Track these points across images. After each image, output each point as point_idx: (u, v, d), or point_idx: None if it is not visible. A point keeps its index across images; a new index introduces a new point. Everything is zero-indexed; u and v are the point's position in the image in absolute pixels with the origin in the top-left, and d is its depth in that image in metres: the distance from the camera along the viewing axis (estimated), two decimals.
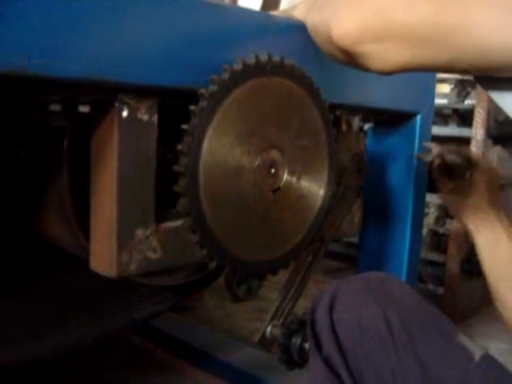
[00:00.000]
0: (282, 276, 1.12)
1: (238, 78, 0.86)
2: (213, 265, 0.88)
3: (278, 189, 0.95)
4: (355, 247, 2.92)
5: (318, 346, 0.93)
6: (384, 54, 0.74)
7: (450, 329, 0.93)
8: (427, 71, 0.85)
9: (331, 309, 0.94)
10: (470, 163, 1.22)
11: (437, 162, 1.27)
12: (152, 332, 2.09)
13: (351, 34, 0.76)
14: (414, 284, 1.50)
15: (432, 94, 1.43)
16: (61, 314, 1.12)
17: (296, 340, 1.05)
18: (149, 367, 2.08)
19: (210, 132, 0.83)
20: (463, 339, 0.91)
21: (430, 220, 2.77)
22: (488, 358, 0.88)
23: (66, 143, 0.93)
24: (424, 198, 1.42)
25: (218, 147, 0.85)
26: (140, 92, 0.85)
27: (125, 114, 0.84)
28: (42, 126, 0.89)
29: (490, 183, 1.20)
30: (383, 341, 0.89)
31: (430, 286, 2.85)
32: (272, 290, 2.82)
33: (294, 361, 1.06)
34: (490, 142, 2.66)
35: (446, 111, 2.84)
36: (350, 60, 0.82)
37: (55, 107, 0.82)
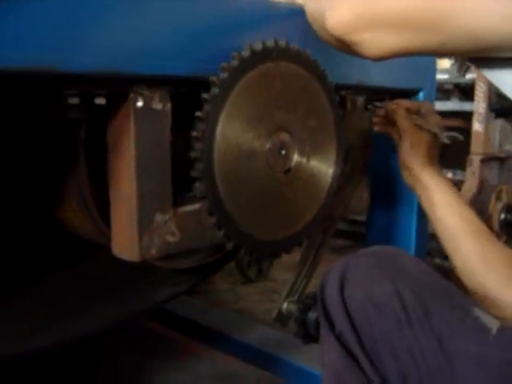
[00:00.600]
0: (291, 257, 1.14)
1: (246, 65, 0.89)
2: (230, 245, 0.92)
3: (289, 169, 0.99)
4: (360, 224, 2.95)
5: (330, 323, 0.93)
6: (377, 42, 0.77)
7: (465, 302, 0.92)
8: (420, 55, 0.87)
9: (342, 286, 0.93)
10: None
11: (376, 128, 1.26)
12: (165, 315, 2.13)
13: (344, 24, 0.78)
14: (424, 258, 1.53)
15: (433, 71, 1.45)
16: (83, 300, 1.16)
17: (312, 314, 1.09)
18: (163, 350, 2.13)
19: (222, 118, 0.87)
20: (479, 313, 0.90)
21: None
22: (505, 331, 0.88)
23: (82, 134, 0.97)
24: None
25: (231, 132, 0.88)
26: (153, 82, 0.88)
27: (140, 104, 0.87)
28: (61, 118, 0.93)
29: (409, 136, 1.16)
30: (397, 317, 0.89)
31: (437, 260, 2.88)
32: (282, 271, 2.86)
33: (311, 335, 1.10)
34: (492, 115, 2.68)
35: (447, 86, 2.86)
36: (345, 47, 0.85)
37: (73, 100, 0.86)
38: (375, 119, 1.25)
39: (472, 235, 1.04)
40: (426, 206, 1.14)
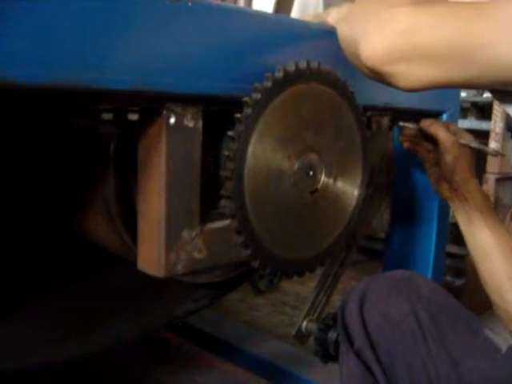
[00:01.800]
0: None
1: (279, 86, 0.90)
2: (256, 264, 0.92)
3: (316, 190, 0.99)
4: (375, 241, 2.95)
5: (350, 340, 0.98)
6: (411, 74, 0.76)
7: (476, 323, 0.97)
8: (452, 88, 0.87)
9: (361, 305, 0.98)
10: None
11: (405, 144, 1.27)
12: (178, 326, 2.13)
13: (379, 56, 0.78)
14: (440, 281, 1.53)
15: (458, 93, 1.46)
16: (102, 312, 1.17)
17: (332, 334, 1.09)
18: (174, 359, 2.13)
19: (254, 138, 0.87)
20: (489, 332, 0.94)
21: (450, 213, 2.79)
22: None
23: (112, 148, 0.97)
24: None
25: (262, 152, 0.89)
26: (186, 100, 0.88)
27: (172, 121, 0.87)
28: (92, 133, 0.94)
29: (453, 151, 1.16)
30: (413, 336, 0.93)
31: (448, 278, 2.88)
32: (291, 283, 2.86)
33: (330, 354, 1.11)
34: (508, 134, 2.68)
35: (464, 104, 2.86)
36: (377, 77, 0.85)
37: (107, 116, 0.86)
38: (403, 138, 1.25)
39: (503, 252, 1.06)
40: (461, 220, 1.16)
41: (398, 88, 0.81)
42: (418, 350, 0.94)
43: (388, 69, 0.77)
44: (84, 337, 1.13)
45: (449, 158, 1.15)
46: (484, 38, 0.67)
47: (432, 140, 1.20)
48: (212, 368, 2.09)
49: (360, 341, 0.96)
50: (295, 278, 1.00)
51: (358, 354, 0.96)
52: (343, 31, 0.94)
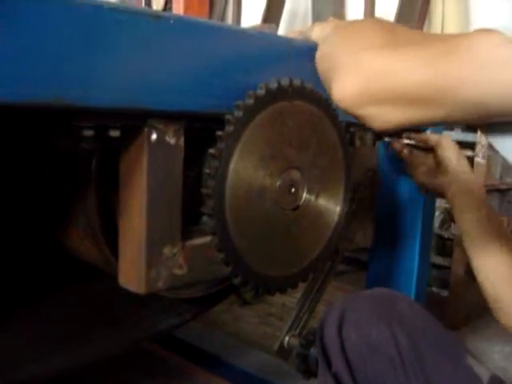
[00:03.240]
0: None
1: (261, 103, 0.90)
2: (237, 281, 0.92)
3: (298, 207, 1.00)
4: (359, 251, 2.95)
5: (328, 361, 0.96)
6: (382, 116, 0.76)
7: (459, 350, 0.95)
8: (425, 126, 0.88)
9: (340, 326, 0.96)
10: (430, 144, 1.28)
11: (405, 151, 1.32)
12: (163, 337, 2.12)
13: (350, 98, 0.77)
14: (423, 299, 1.53)
15: None
16: (84, 326, 1.16)
17: (314, 351, 1.09)
18: (160, 371, 2.12)
19: (235, 155, 0.87)
20: (471, 361, 0.93)
21: (435, 224, 2.80)
22: (495, 381, 0.91)
23: (94, 164, 0.97)
24: (433, 213, 1.46)
25: (243, 170, 0.89)
26: (168, 117, 0.88)
27: (154, 137, 0.88)
28: (74, 149, 0.93)
29: (455, 156, 1.25)
30: (392, 361, 0.92)
31: (434, 289, 2.89)
32: (278, 294, 2.86)
33: (312, 371, 1.10)
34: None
35: None
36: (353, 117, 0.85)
37: (88, 132, 0.86)
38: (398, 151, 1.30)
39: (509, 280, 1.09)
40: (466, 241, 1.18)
41: (371, 129, 0.81)
42: (396, 377, 0.92)
43: (360, 112, 0.77)
44: (66, 351, 1.12)
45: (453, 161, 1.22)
46: (452, 80, 0.68)
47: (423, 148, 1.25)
48: (198, 380, 2.08)
49: (338, 363, 0.95)
50: None
51: (336, 377, 0.95)
52: (321, 66, 0.91)
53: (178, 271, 0.93)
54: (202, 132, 0.94)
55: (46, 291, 1.16)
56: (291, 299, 2.72)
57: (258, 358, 2.06)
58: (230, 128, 0.87)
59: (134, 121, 0.86)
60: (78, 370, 1.16)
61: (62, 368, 1.11)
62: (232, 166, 0.87)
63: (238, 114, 0.87)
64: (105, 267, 1.06)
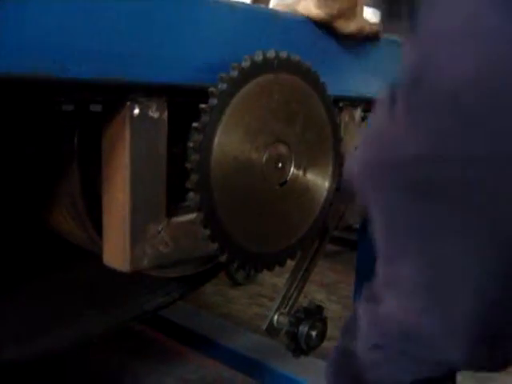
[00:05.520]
0: None
1: (246, 76, 0.88)
2: (224, 258, 0.91)
3: (285, 182, 0.98)
4: (351, 231, 2.95)
5: None
6: None
7: None
8: None
9: None
10: None
11: None
12: (153, 318, 2.11)
13: None
14: None
15: None
16: (71, 307, 1.15)
17: (303, 328, 1.08)
18: (151, 353, 2.11)
19: (219, 129, 0.85)
20: None
21: None
22: None
23: (76, 141, 0.95)
24: None
25: (228, 144, 0.87)
26: (151, 90, 0.86)
27: (136, 111, 0.85)
28: (54, 125, 0.91)
29: None
30: None
31: None
32: (269, 275, 2.85)
33: (301, 348, 1.09)
34: None
35: None
36: None
37: (68, 107, 0.84)
38: None
39: None
40: None
41: None
42: None
43: None
44: (51, 332, 1.11)
45: None
46: None
47: None
48: (188, 361, 2.07)
49: None
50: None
51: None
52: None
53: (163, 249, 0.91)
54: (186, 106, 0.92)
55: (32, 272, 1.14)
56: (282, 280, 2.71)
57: (249, 338, 2.04)
58: (213, 101, 0.84)
59: (115, 95, 0.84)
60: (64, 351, 1.14)
61: (49, 349, 1.09)
62: (216, 139, 0.85)
63: (222, 86, 0.85)
64: (89, 246, 1.04)
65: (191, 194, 0.87)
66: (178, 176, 0.93)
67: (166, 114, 0.89)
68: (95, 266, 1.07)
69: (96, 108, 0.86)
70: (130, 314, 1.16)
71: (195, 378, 1.99)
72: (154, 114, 0.87)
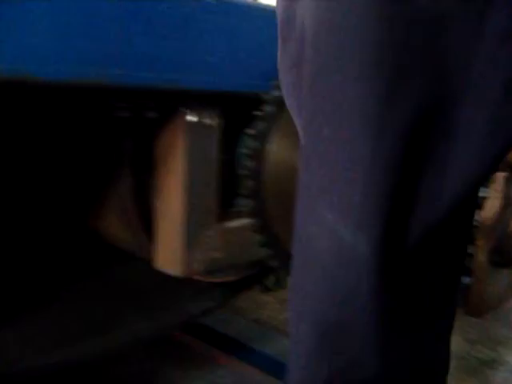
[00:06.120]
0: None
1: None
2: (275, 263, 0.91)
3: None
4: None
5: None
6: None
7: None
8: None
9: None
10: None
11: None
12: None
13: None
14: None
15: None
16: (118, 311, 1.15)
17: None
18: (183, 357, 2.11)
19: (274, 135, 0.86)
20: None
21: None
22: None
23: (128, 146, 0.96)
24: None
25: (281, 150, 0.88)
26: (204, 98, 0.87)
27: (191, 118, 0.86)
28: (107, 131, 0.92)
29: None
30: None
31: None
32: None
33: None
34: None
35: None
36: None
37: (123, 113, 0.85)
38: None
39: None
40: None
41: None
42: None
43: None
44: (100, 336, 1.12)
45: None
46: None
47: None
48: (220, 366, 2.08)
49: None
50: None
51: None
52: None
53: (215, 254, 0.92)
54: (236, 113, 0.93)
55: (79, 275, 1.16)
56: None
57: (281, 342, 2.04)
58: (268, 108, 0.85)
59: (171, 101, 0.85)
60: (111, 355, 1.15)
61: (95, 354, 1.10)
62: (270, 146, 0.86)
63: (277, 93, 0.86)
64: (138, 250, 1.05)
65: (244, 200, 0.87)
66: (225, 182, 0.94)
67: (218, 120, 0.90)
68: (140, 271, 1.09)
69: (151, 114, 0.87)
70: (178, 319, 1.16)
71: (227, 382, 1.99)
72: (207, 120, 0.88)
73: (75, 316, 1.12)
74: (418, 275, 0.51)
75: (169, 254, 0.90)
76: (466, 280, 2.77)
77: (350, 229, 0.49)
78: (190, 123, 0.86)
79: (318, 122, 0.50)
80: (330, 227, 0.50)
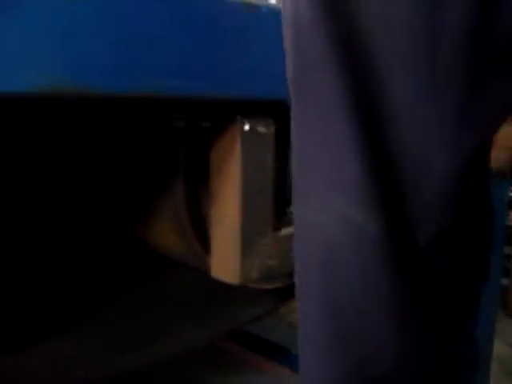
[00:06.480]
0: None
1: None
2: None
3: None
4: None
5: None
6: None
7: None
8: None
9: None
10: None
11: None
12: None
13: None
14: (497, 291, 1.47)
15: None
16: (167, 320, 1.16)
17: None
18: (226, 364, 2.11)
19: None
20: None
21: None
22: None
23: (182, 155, 0.97)
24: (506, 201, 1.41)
25: None
26: (259, 106, 0.88)
27: (246, 127, 0.87)
28: (161, 141, 0.93)
29: None
30: None
31: None
32: None
33: None
34: None
35: None
36: None
37: (178, 123, 0.86)
38: None
39: None
40: None
41: None
42: None
43: None
44: (151, 346, 1.12)
45: None
46: None
47: None
48: (263, 371, 2.07)
49: None
50: None
51: None
52: None
53: (270, 261, 0.93)
54: (287, 121, 0.93)
55: (127, 284, 1.17)
56: None
57: None
58: None
59: (226, 111, 0.86)
60: (161, 365, 1.16)
61: (147, 364, 1.11)
62: None
63: None
64: (189, 259, 1.05)
65: None
66: (277, 189, 0.95)
67: (272, 128, 0.90)
68: (189, 280, 1.09)
69: (206, 124, 0.88)
70: (228, 327, 1.17)
71: None
72: (262, 129, 0.89)
73: (126, 326, 1.12)
74: (435, 266, 0.49)
75: (225, 263, 0.91)
76: (504, 281, 2.74)
77: (355, 209, 0.47)
78: (246, 132, 0.87)
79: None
80: (333, 208, 0.48)
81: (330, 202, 0.49)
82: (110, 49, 0.69)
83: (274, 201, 0.94)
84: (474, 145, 0.47)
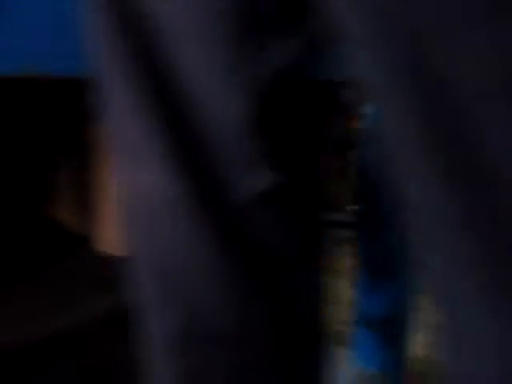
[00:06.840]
0: None
1: None
2: None
3: None
4: None
5: None
6: None
7: None
8: None
9: None
10: None
11: None
12: None
13: None
14: None
15: None
16: (74, 293, 1.17)
17: None
18: None
19: None
20: None
21: None
22: None
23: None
24: None
25: None
26: None
27: None
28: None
29: None
30: None
31: None
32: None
33: None
34: None
35: None
36: None
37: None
38: None
39: None
40: None
41: None
42: None
43: None
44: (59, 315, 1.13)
45: None
46: None
47: None
48: None
49: None
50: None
51: None
52: None
53: None
54: None
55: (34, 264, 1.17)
56: None
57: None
58: None
59: None
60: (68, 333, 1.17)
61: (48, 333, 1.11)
62: None
63: None
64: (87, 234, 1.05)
65: None
66: None
67: None
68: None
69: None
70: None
71: None
72: None
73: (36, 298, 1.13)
74: (259, 226, 0.50)
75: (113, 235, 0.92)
76: None
77: (165, 176, 0.48)
78: None
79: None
80: (147, 180, 0.49)
81: (144, 175, 0.49)
82: None
83: None
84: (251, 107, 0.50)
